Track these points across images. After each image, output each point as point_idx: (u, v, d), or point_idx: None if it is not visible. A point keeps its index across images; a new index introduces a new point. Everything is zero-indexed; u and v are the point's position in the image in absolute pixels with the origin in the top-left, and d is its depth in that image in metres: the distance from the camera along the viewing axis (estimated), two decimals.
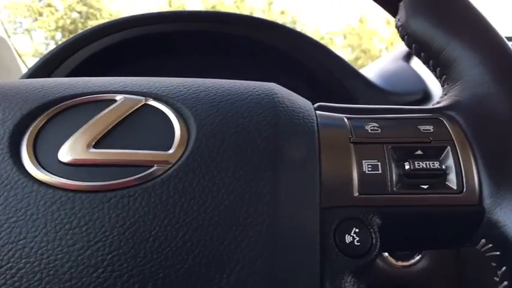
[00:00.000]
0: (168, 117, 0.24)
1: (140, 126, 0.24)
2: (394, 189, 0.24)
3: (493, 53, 0.28)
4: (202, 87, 0.26)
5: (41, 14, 7.72)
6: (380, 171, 0.25)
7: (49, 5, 7.74)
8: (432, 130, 0.26)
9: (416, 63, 0.60)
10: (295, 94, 0.29)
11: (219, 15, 0.58)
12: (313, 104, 0.29)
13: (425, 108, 0.29)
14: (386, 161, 0.25)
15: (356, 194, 0.24)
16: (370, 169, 0.25)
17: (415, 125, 0.27)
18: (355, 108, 0.28)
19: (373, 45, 10.69)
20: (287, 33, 0.58)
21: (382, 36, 10.62)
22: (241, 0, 9.85)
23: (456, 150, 0.25)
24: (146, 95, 0.25)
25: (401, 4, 0.33)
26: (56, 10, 7.77)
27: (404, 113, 0.28)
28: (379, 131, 0.26)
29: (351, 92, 0.58)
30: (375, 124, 0.27)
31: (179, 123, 0.24)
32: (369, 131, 0.26)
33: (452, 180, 0.25)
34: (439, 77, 0.31)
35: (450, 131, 0.26)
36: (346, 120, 0.27)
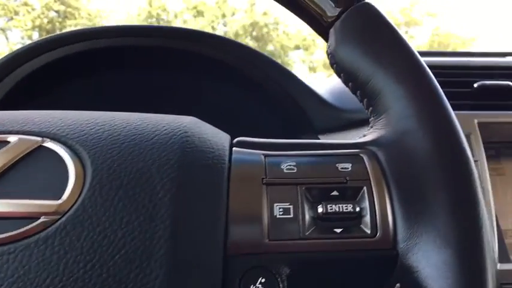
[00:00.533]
0: (64, 161, 0.22)
1: (33, 171, 0.22)
2: (306, 234, 0.23)
3: (417, 86, 0.27)
4: (108, 126, 0.24)
5: (16, 13, 7.53)
6: (292, 215, 0.24)
7: (25, 4, 7.56)
8: (350, 169, 0.26)
9: None
10: (212, 129, 0.27)
11: (171, 31, 0.57)
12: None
13: (347, 143, 0.28)
14: (299, 203, 0.24)
15: (266, 240, 0.23)
16: (281, 213, 0.24)
17: (334, 163, 0.26)
18: (275, 144, 0.27)
19: None
20: (242, 51, 0.57)
21: None
22: (223, 1, 9.81)
23: (372, 191, 0.25)
24: (44, 134, 0.24)
25: (331, 31, 0.32)
26: (33, 9, 7.59)
27: (326, 148, 0.27)
28: (295, 170, 0.25)
29: (306, 110, 0.57)
30: (292, 163, 0.26)
31: (75, 167, 0.22)
32: (285, 170, 0.25)
33: (367, 223, 0.24)
34: (366, 108, 0.30)
35: (369, 169, 0.26)
36: (263, 158, 0.26)
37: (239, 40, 0.86)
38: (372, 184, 0.25)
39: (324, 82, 0.66)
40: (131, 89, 0.66)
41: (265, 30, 9.82)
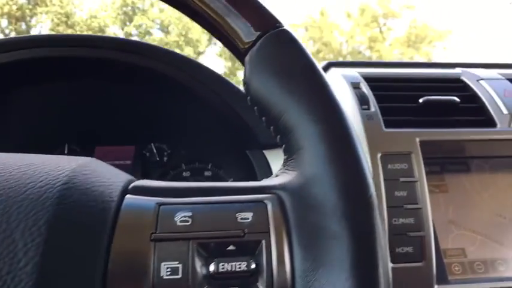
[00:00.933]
0: None
1: None
2: None
3: (329, 128, 0.26)
4: None
5: None
6: (180, 276, 0.22)
7: None
8: (250, 219, 0.24)
9: None
10: (105, 174, 0.25)
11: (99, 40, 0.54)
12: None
13: (254, 186, 0.26)
14: (190, 261, 0.22)
15: None
16: (169, 273, 0.22)
17: (234, 212, 0.24)
18: (173, 190, 0.25)
19: (334, 39, 10.83)
20: (183, 63, 0.55)
21: (343, 29, 10.77)
22: None
23: (270, 245, 0.23)
24: None
25: (247, 59, 0.30)
26: None
27: (229, 193, 0.26)
28: (189, 222, 0.23)
29: (249, 124, 0.55)
30: (188, 213, 0.24)
31: None
32: (178, 223, 0.23)
33: (263, 281, 0.22)
34: (280, 145, 0.28)
35: (270, 219, 0.24)
36: (156, 207, 0.24)
37: None
38: (272, 237, 0.23)
39: None
40: (73, 99, 0.63)
41: None
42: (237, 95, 0.55)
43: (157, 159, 0.70)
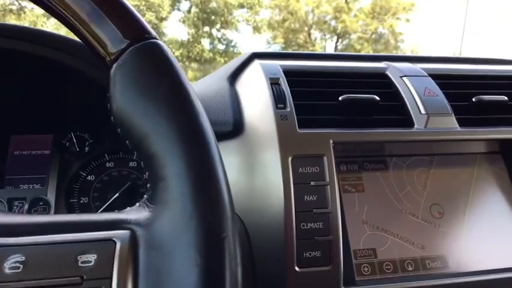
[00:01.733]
0: None
1: None
2: None
3: (190, 160, 0.24)
4: None
5: None
6: None
7: None
8: (93, 263, 0.22)
9: (243, 84, 0.56)
10: None
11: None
12: None
13: (104, 221, 0.24)
14: None
15: None
16: None
17: (75, 254, 0.22)
18: (5, 227, 0.23)
19: (301, 7, 10.68)
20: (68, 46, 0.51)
21: None
22: None
23: None
24: None
25: (111, 72, 0.27)
26: None
27: (75, 230, 0.23)
28: (20, 269, 0.21)
29: None
30: (20, 257, 0.21)
31: None
32: (7, 270, 0.21)
33: None
34: (144, 172, 0.26)
35: (116, 262, 0.22)
36: None
37: None
38: (114, 283, 0.21)
39: (194, 84, 0.61)
40: None
41: None
42: None
43: (77, 149, 0.66)
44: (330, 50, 10.45)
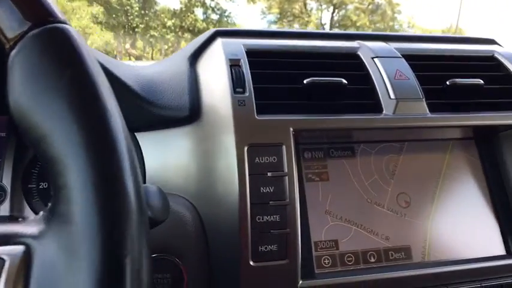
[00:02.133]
0: None
1: None
2: None
3: (93, 166, 0.21)
4: None
5: None
6: None
7: None
8: None
9: (203, 65, 0.52)
10: None
11: None
12: None
13: (10, 233, 0.21)
14: None
15: None
16: None
17: None
18: None
19: None
20: None
21: None
22: None
23: None
24: None
25: (9, 61, 0.23)
26: None
27: None
28: None
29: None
30: None
31: None
32: None
33: None
34: (47, 180, 0.23)
35: (2, 282, 0.19)
36: None
37: None
38: None
39: (154, 65, 0.58)
40: None
41: None
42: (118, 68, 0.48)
43: None
44: (326, 20, 10.23)
